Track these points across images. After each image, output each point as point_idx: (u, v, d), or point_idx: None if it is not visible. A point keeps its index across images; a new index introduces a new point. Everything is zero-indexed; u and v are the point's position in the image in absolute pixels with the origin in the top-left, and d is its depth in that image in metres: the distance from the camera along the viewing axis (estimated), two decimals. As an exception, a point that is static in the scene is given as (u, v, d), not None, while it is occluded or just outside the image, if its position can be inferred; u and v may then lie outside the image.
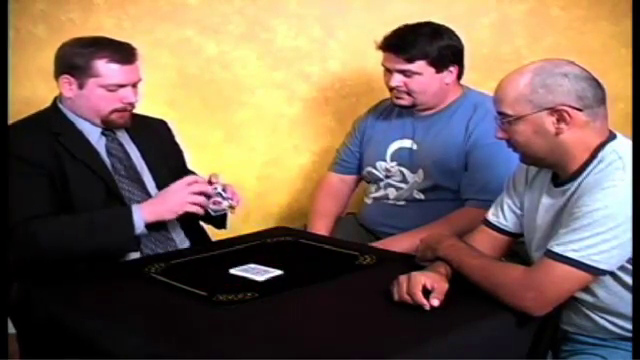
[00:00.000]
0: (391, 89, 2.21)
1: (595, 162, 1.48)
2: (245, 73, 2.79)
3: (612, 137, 1.51)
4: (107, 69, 1.87)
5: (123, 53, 1.89)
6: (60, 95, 1.96)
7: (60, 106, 1.96)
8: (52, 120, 1.93)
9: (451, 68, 2.19)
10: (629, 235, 1.39)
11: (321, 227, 2.32)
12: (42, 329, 1.56)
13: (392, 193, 2.30)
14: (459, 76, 2.24)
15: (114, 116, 1.92)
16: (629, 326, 1.49)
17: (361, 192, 2.50)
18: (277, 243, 1.97)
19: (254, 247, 1.93)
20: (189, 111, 2.72)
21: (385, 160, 2.30)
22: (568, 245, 1.41)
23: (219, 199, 1.89)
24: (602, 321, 1.54)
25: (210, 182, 1.92)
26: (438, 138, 2.22)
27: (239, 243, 1.95)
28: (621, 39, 2.78)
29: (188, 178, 1.89)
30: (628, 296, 1.47)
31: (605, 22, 2.85)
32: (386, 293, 1.50)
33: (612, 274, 1.46)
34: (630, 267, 1.44)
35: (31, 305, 1.61)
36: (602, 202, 1.40)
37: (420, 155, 2.24)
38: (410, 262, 1.71)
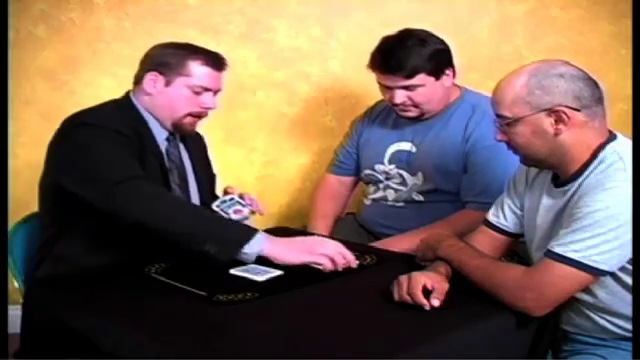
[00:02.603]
0: (395, 105, 2.19)
1: (596, 162, 1.48)
2: (245, 73, 2.79)
3: (612, 137, 1.52)
4: (199, 70, 1.89)
5: (215, 59, 1.93)
6: (133, 91, 1.96)
7: (135, 102, 1.95)
8: (131, 113, 1.92)
9: (447, 71, 2.18)
10: (630, 236, 1.39)
11: (321, 227, 2.32)
12: (42, 329, 1.56)
13: (391, 195, 2.30)
14: (453, 76, 2.24)
15: (187, 120, 1.93)
16: (629, 326, 1.49)
17: (360, 192, 2.50)
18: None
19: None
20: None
21: (383, 163, 2.30)
22: (569, 245, 1.41)
23: (239, 207, 1.91)
24: (602, 321, 1.54)
25: (226, 192, 1.99)
26: (437, 140, 2.21)
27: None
28: (621, 39, 2.79)
29: (340, 245, 1.71)
30: (628, 296, 1.47)
31: (605, 22, 2.86)
32: (386, 293, 1.50)
33: (612, 275, 1.46)
34: (630, 268, 1.44)
35: (32, 304, 1.62)
36: (604, 203, 1.40)
37: (419, 158, 2.24)
38: (410, 262, 1.71)
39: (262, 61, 2.81)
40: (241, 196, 1.94)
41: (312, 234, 2.19)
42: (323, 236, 2.17)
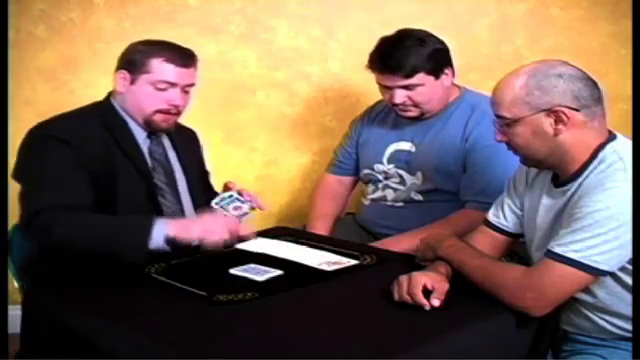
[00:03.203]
0: (395, 105, 2.19)
1: (595, 162, 1.48)
2: (245, 73, 2.80)
3: (612, 137, 1.52)
4: (160, 67, 1.87)
5: (181, 56, 1.90)
6: (113, 91, 1.96)
7: (113, 102, 1.95)
8: (107, 115, 1.92)
9: (446, 71, 2.18)
10: (630, 236, 1.39)
11: (320, 228, 2.31)
12: (42, 328, 1.56)
13: (390, 194, 2.29)
14: (452, 76, 2.23)
15: (157, 117, 1.91)
16: (628, 326, 1.49)
17: (360, 192, 2.49)
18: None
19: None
20: (189, 111, 2.70)
21: (382, 162, 2.30)
22: (569, 245, 1.41)
23: (238, 204, 1.91)
24: (601, 321, 1.54)
25: (227, 188, 1.98)
26: (436, 140, 2.21)
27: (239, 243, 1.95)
28: (620, 39, 2.79)
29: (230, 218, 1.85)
30: (628, 297, 1.47)
31: (604, 22, 2.86)
32: (386, 293, 1.50)
33: (612, 275, 1.46)
34: (630, 268, 1.44)
35: (31, 304, 1.61)
36: (604, 203, 1.40)
37: (419, 157, 2.23)
38: (410, 262, 1.71)
39: (262, 61, 2.81)
40: (240, 193, 1.94)
41: (312, 235, 2.19)
42: (322, 236, 2.18)
